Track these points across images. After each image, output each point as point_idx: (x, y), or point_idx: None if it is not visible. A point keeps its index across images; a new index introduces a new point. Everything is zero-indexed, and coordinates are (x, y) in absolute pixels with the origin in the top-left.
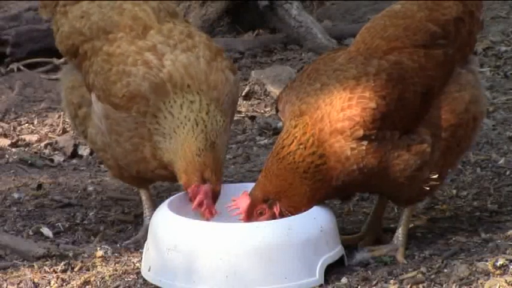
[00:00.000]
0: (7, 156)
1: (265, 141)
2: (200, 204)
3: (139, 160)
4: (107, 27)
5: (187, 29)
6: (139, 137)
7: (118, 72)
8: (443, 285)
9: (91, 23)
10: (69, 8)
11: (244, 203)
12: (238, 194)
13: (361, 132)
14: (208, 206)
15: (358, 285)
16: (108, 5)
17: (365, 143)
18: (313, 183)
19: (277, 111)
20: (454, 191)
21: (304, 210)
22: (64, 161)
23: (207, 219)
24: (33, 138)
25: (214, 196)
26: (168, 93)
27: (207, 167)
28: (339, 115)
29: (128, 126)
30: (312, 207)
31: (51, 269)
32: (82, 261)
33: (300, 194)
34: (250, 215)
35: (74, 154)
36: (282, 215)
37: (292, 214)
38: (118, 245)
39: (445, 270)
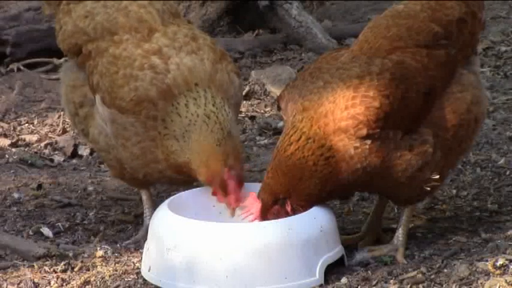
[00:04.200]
0: (7, 156)
1: (265, 141)
2: (235, 191)
3: (148, 162)
4: (111, 28)
5: (191, 31)
6: (150, 140)
7: (125, 76)
8: (443, 285)
9: (95, 23)
10: (73, 7)
11: (255, 208)
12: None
13: (364, 131)
14: (236, 193)
15: (358, 285)
16: (113, 6)
17: (368, 142)
18: (322, 176)
19: (279, 109)
20: (454, 191)
21: (315, 204)
22: (64, 161)
23: (233, 209)
24: (33, 138)
25: (241, 182)
26: (175, 97)
27: (229, 155)
28: (342, 113)
29: (136, 131)
30: (321, 201)
31: (51, 269)
32: (82, 261)
33: (309, 188)
34: (265, 218)
35: (74, 154)
36: (294, 212)
37: (305, 209)
38: (118, 245)
39: (445, 270)
